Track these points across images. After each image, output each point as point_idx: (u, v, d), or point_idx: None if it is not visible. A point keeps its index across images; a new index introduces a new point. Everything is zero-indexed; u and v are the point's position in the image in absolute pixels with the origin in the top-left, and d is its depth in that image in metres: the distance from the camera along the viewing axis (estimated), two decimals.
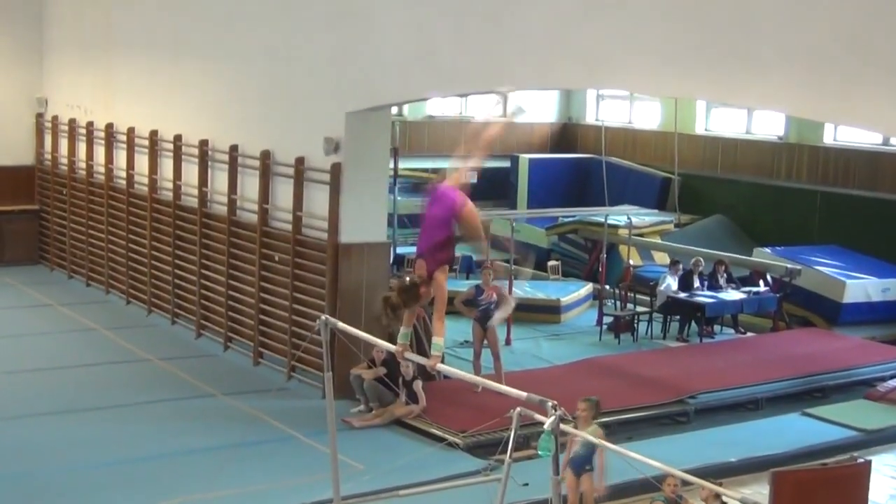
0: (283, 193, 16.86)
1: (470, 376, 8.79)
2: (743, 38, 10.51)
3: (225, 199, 18.10)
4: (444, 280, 8.70)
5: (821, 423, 15.63)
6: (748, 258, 22.16)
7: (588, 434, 10.19)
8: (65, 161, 23.46)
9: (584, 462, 10.98)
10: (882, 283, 21.27)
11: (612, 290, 21.64)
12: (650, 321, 20.58)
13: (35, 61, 24.22)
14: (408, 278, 8.77)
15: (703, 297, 20.31)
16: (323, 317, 9.66)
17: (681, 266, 20.91)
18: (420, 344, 15.70)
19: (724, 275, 21.03)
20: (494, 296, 16.16)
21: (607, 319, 20.43)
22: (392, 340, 9.71)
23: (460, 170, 9.28)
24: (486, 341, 16.16)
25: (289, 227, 16.63)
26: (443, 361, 8.84)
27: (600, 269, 21.87)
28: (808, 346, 19.19)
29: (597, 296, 21.67)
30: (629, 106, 30.27)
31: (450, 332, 18.69)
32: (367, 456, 13.20)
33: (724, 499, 10.37)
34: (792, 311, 21.31)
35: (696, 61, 11.06)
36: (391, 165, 18.56)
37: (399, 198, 23.23)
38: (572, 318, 21.52)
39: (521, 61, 13.03)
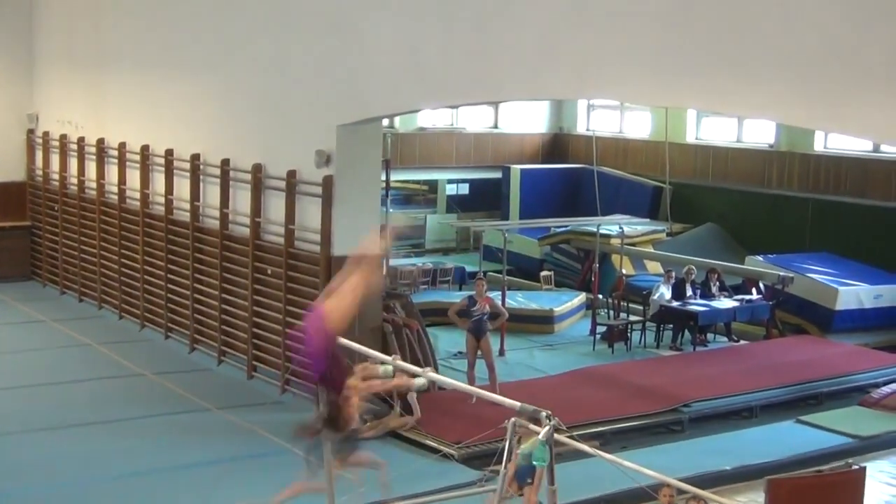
0: (275, 207, 16.86)
1: (465, 386, 8.77)
2: (733, 47, 10.54)
3: (217, 213, 18.10)
4: (361, 388, 8.73)
5: (815, 431, 15.65)
6: (740, 266, 22.20)
7: (529, 445, 10.00)
8: (56, 177, 23.44)
9: (526, 474, 10.66)
10: (874, 290, 21.32)
11: (605, 300, 21.65)
12: (643, 330, 20.59)
13: (26, 77, 24.21)
14: (322, 409, 8.73)
15: (696, 305, 20.33)
16: None
17: (673, 275, 20.94)
18: (414, 355, 15.72)
19: (717, 283, 21.05)
20: (487, 306, 16.18)
21: (601, 329, 20.43)
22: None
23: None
24: (479, 352, 16.17)
25: (281, 240, 16.63)
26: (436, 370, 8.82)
27: (593, 279, 21.89)
28: (801, 354, 19.21)
29: (590, 305, 21.69)
30: (620, 116, 30.31)
31: (443, 343, 18.83)
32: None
33: None
34: (785, 319, 21.35)
35: (686, 71, 11.08)
36: (383, 177, 18.55)
37: (391, 210, 23.25)
38: (566, 329, 21.53)
39: (511, 72, 13.05)
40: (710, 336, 20.95)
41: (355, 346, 10.11)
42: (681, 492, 9.81)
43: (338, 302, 8.78)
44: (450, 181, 30.91)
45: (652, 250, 24.53)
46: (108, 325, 20.78)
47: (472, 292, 16.64)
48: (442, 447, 13.79)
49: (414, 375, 9.12)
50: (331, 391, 8.67)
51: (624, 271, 22.98)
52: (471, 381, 15.64)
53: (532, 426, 7.62)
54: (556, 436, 7.33)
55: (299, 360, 8.69)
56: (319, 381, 8.75)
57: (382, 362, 9.22)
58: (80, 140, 22.37)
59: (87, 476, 13.22)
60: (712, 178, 27.45)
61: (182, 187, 19.10)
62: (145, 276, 20.16)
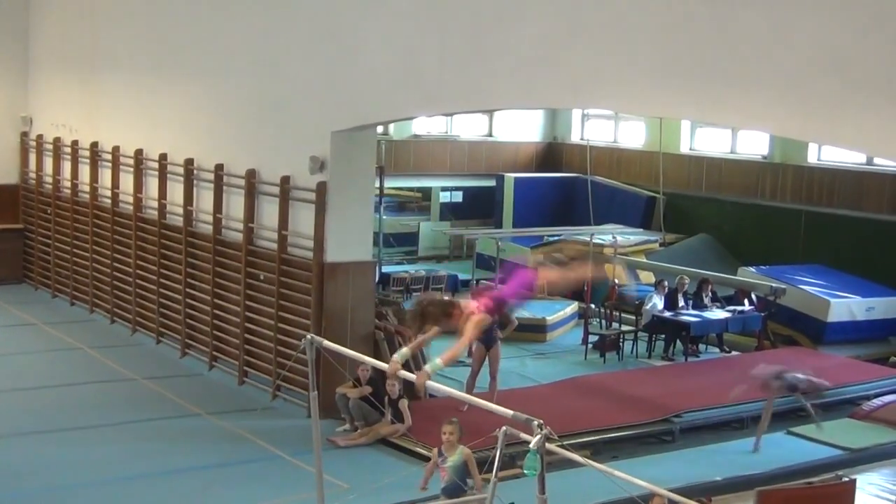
0: (268, 212, 16.86)
1: (457, 392, 8.74)
2: (727, 58, 10.55)
3: (210, 218, 18.08)
4: (478, 323, 8.70)
5: (806, 442, 15.66)
6: (733, 277, 22.21)
7: (456, 457, 9.93)
8: (49, 180, 23.42)
9: (456, 490, 10.50)
10: (866, 302, 21.35)
11: (597, 309, 21.66)
12: (635, 340, 20.61)
13: (20, 80, 24.20)
14: (449, 298, 8.81)
15: (688, 315, 20.35)
16: (308, 336, 9.64)
17: (665, 285, 20.95)
18: (405, 362, 15.68)
19: (709, 294, 21.07)
20: (498, 315, 16.04)
21: (593, 338, 20.44)
22: (385, 361, 9.71)
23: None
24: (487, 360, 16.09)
25: (274, 245, 16.62)
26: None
27: (585, 288, 21.89)
28: (792, 366, 19.17)
29: (582, 314, 21.69)
30: (614, 125, 30.35)
31: (435, 350, 18.71)
32: (353, 475, 13.17)
33: None
34: (777, 330, 21.37)
35: (680, 81, 11.10)
36: (377, 184, 18.57)
37: (384, 217, 23.27)
38: (558, 337, 21.53)
39: (506, 81, 13.06)
40: (701, 347, 20.97)
41: (347, 352, 10.12)
42: (672, 502, 9.82)
43: (552, 274, 9.24)
44: (443, 189, 30.93)
45: (645, 260, 24.54)
46: (100, 329, 20.75)
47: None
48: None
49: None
50: (479, 304, 8.82)
51: (617, 281, 22.99)
52: (469, 390, 15.57)
53: (523, 435, 7.61)
54: (547, 445, 7.31)
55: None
56: (489, 295, 8.93)
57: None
58: (74, 143, 22.36)
59: (77, 480, 13.19)
60: (706, 188, 27.48)
61: (175, 192, 19.09)
62: (137, 281, 20.13)
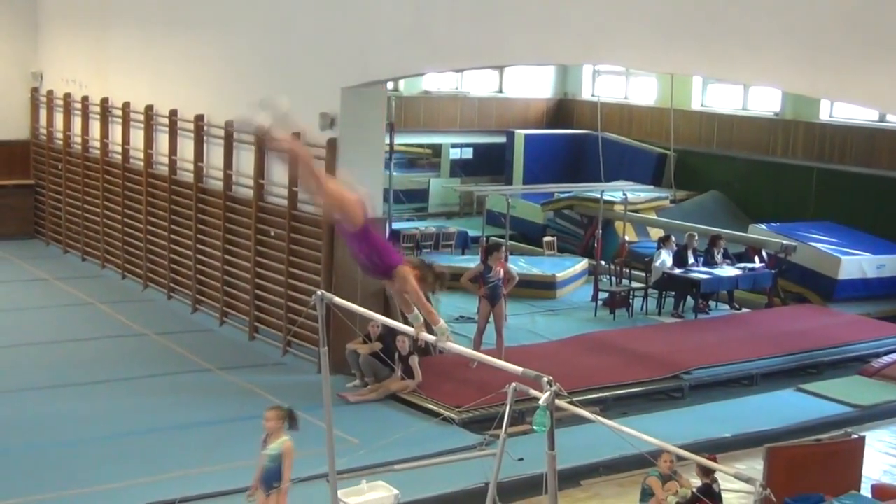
0: (278, 168, 16.82)
1: (468, 350, 8.71)
2: (739, 13, 10.49)
3: (220, 175, 18.08)
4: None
5: (815, 399, 15.69)
6: (744, 234, 22.17)
7: (276, 446, 9.65)
8: (60, 136, 23.43)
9: (273, 477, 9.86)
10: (877, 260, 21.32)
11: (607, 266, 21.65)
12: (645, 297, 20.62)
13: (30, 35, 24.16)
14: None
15: (699, 273, 20.33)
16: (319, 292, 9.66)
17: (673, 241, 20.91)
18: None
19: (721, 250, 21.03)
20: (502, 272, 16.12)
21: (602, 295, 20.44)
22: (394, 317, 9.67)
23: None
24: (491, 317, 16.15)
25: (284, 202, 16.62)
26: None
27: (596, 245, 21.88)
28: (802, 323, 19.23)
29: (592, 271, 21.69)
30: (625, 82, 30.20)
31: (445, 308, 18.80)
32: (363, 431, 13.23)
33: (718, 474, 10.42)
34: (787, 288, 21.36)
35: (692, 37, 11.04)
36: (387, 141, 18.52)
37: (395, 173, 23.22)
38: (568, 294, 21.54)
39: (517, 37, 13.00)
40: (711, 304, 20.97)
41: (357, 309, 10.13)
42: (680, 458, 9.86)
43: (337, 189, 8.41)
44: (454, 145, 30.85)
45: (655, 217, 24.51)
46: (111, 285, 20.82)
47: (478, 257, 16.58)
48: (442, 411, 13.86)
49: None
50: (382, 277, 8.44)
51: (627, 238, 22.97)
52: (476, 347, 15.64)
53: (533, 391, 7.63)
54: (556, 401, 7.33)
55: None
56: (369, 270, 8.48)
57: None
58: (84, 99, 22.34)
59: (89, 434, 13.27)
60: (717, 145, 27.38)
61: (186, 148, 19.08)
62: (148, 237, 20.17)
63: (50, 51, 23.89)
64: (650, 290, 20.72)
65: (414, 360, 14.81)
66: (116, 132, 21.37)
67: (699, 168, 27.44)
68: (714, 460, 10.18)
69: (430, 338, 8.78)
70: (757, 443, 13.15)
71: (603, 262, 21.58)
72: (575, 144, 30.01)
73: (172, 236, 19.42)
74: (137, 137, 20.59)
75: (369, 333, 15.02)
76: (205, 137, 18.59)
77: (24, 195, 24.47)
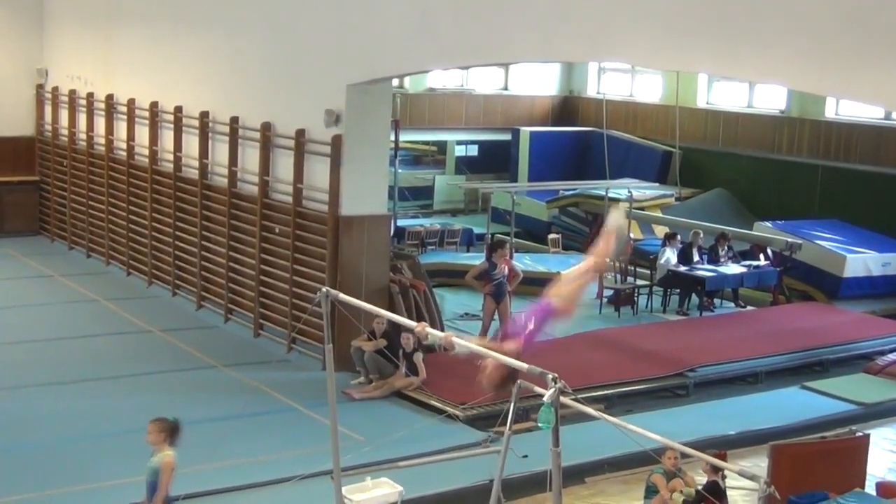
0: (283, 165, 16.85)
1: (475, 346, 8.69)
2: (745, 11, 10.48)
3: (225, 171, 18.09)
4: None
5: (820, 397, 15.69)
6: (749, 232, 22.16)
7: (156, 460, 9.33)
8: (65, 132, 23.44)
9: (152, 491, 9.46)
10: (882, 258, 21.29)
11: (612, 264, 21.61)
12: (650, 294, 20.59)
13: (35, 32, 24.18)
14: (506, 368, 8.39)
15: (704, 270, 20.31)
16: (323, 289, 9.66)
17: (679, 239, 20.88)
18: (420, 316, 15.73)
19: (726, 248, 21.01)
20: (506, 269, 16.09)
21: (607, 292, 20.42)
22: (399, 314, 9.65)
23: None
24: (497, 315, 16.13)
25: (289, 199, 16.62)
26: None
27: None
28: (807, 321, 19.21)
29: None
30: (631, 79, 30.20)
31: (450, 304, 18.82)
32: (367, 427, 13.23)
33: (724, 472, 10.42)
34: (792, 285, 21.34)
35: (697, 34, 11.03)
36: (392, 138, 18.52)
37: (400, 170, 23.22)
38: None
39: (522, 34, 12.99)
40: (716, 301, 20.95)
41: (363, 305, 10.13)
42: (685, 456, 9.86)
43: (564, 288, 8.66)
44: (459, 142, 30.87)
45: (660, 214, 24.49)
46: (116, 282, 20.83)
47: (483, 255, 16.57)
48: (446, 408, 13.86)
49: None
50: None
51: (632, 235, 22.94)
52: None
53: (538, 388, 7.63)
54: (561, 398, 7.33)
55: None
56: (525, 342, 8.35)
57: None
58: (90, 95, 22.35)
59: (93, 431, 13.28)
60: (722, 143, 27.37)
61: (191, 144, 19.09)
62: (153, 233, 20.18)
63: (55, 47, 23.91)
64: (655, 288, 20.69)
65: (418, 357, 14.81)
66: (121, 129, 21.37)
67: (704, 166, 27.42)
68: (723, 457, 10.19)
69: (438, 334, 8.80)
70: (761, 440, 13.15)
71: (608, 260, 21.52)
72: (580, 142, 30.01)
73: (177, 233, 19.42)
74: (142, 134, 20.59)
75: (374, 330, 15.01)
76: (210, 134, 18.59)
77: (29, 192, 24.49)
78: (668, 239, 21.05)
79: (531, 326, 8.26)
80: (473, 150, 31.07)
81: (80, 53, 22.92)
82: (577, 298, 8.61)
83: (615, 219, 9.37)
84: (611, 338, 17.84)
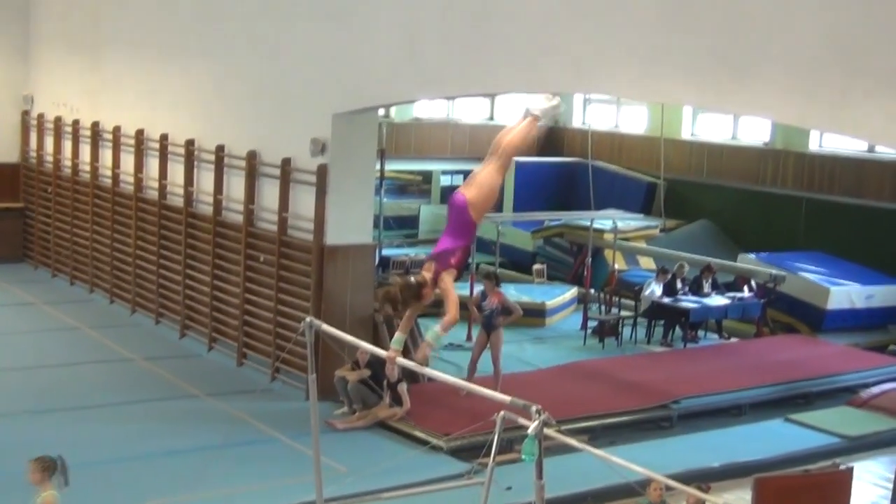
0: (269, 194, 16.84)
1: (453, 379, 8.70)
2: (730, 44, 10.53)
3: (211, 199, 18.07)
4: (451, 281, 8.61)
5: (804, 430, 15.69)
6: (733, 264, 22.22)
7: (39, 501, 9.18)
8: (50, 159, 23.40)
9: None
10: (866, 290, 21.35)
11: (596, 295, 21.66)
12: (634, 325, 20.61)
13: (21, 58, 24.16)
14: (412, 277, 8.70)
15: (688, 302, 20.34)
16: (308, 318, 9.64)
17: (669, 274, 20.88)
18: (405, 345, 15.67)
19: (710, 280, 21.05)
20: (497, 302, 16.06)
21: (592, 323, 20.45)
22: (384, 345, 9.66)
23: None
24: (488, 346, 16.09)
25: (274, 227, 16.61)
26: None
27: (585, 273, 21.89)
28: (791, 353, 19.24)
29: (582, 300, 21.69)
30: (616, 110, 30.29)
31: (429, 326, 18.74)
32: (351, 458, 13.18)
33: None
34: (776, 318, 21.38)
35: (682, 67, 11.08)
36: (377, 167, 18.54)
37: (385, 199, 23.23)
38: (557, 322, 21.54)
39: (508, 65, 13.03)
40: (700, 333, 20.98)
41: (346, 337, 10.11)
42: (669, 488, 9.83)
43: (478, 192, 9.12)
44: (444, 172, 30.89)
45: (645, 246, 24.54)
46: (99, 309, 20.76)
47: (482, 287, 16.51)
48: (431, 439, 13.81)
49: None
50: (436, 267, 8.64)
51: (616, 266, 22.99)
52: (471, 375, 15.59)
53: (522, 420, 7.61)
54: (545, 430, 7.31)
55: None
56: (438, 254, 8.73)
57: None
58: (75, 123, 22.34)
59: (74, 460, 12.99)
60: (707, 174, 27.44)
61: (176, 172, 19.07)
62: (137, 261, 20.13)
63: (41, 74, 23.90)
64: (639, 319, 20.71)
65: (402, 388, 14.77)
66: (107, 156, 21.35)
67: (689, 197, 27.49)
68: (708, 490, 10.17)
69: (409, 363, 8.82)
70: (745, 473, 13.14)
71: (592, 291, 21.59)
72: (565, 172, 30.04)
73: (161, 261, 19.38)
74: (127, 162, 20.58)
75: (358, 360, 14.98)
76: (195, 162, 18.58)
77: (13, 218, 24.41)
78: (659, 274, 21.00)
79: (449, 243, 8.72)
80: (459, 180, 31.01)
81: (66, 80, 22.91)
82: (491, 190, 8.84)
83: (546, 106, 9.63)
84: (595, 369, 17.83)
